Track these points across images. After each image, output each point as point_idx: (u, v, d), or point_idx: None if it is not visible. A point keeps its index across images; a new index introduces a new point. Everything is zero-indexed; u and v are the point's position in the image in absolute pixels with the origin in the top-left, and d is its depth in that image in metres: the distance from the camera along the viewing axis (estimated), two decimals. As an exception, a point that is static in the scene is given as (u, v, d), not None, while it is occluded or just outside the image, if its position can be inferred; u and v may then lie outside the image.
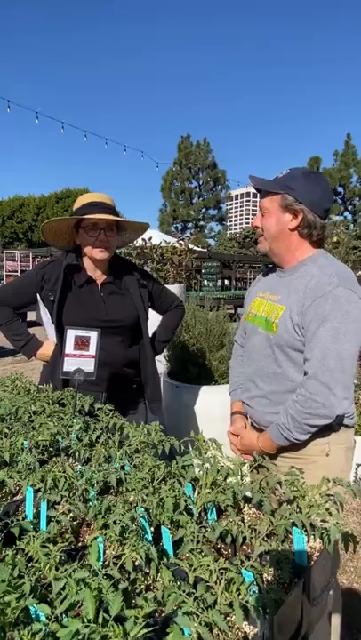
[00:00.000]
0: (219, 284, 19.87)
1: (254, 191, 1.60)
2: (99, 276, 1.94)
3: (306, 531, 0.88)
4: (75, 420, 1.40)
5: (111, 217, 1.82)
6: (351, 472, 1.54)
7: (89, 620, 0.60)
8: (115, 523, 0.85)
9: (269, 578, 0.80)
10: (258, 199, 1.56)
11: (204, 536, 0.88)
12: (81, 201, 1.90)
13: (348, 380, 1.34)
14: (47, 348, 1.95)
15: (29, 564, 0.77)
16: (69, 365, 1.60)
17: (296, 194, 1.40)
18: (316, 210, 1.42)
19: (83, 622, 0.59)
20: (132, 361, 1.98)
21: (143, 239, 5.06)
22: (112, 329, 1.83)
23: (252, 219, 1.64)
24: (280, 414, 1.42)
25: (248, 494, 1.03)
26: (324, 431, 1.40)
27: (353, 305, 1.32)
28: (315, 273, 1.39)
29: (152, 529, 0.91)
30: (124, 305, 1.94)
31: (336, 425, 1.42)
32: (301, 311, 1.37)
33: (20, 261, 19.45)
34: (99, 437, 1.31)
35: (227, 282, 24.29)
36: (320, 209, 1.43)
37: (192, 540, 0.85)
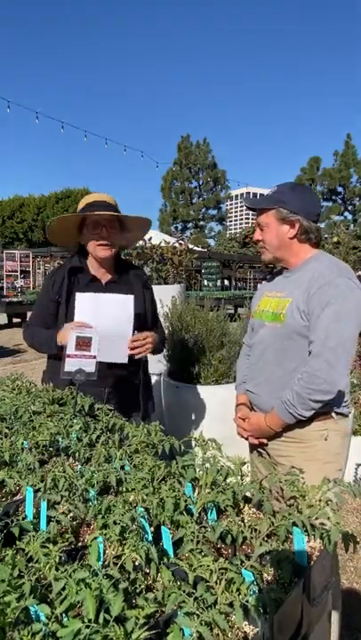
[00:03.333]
0: (219, 283, 19.87)
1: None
2: (103, 275, 2.00)
3: (306, 531, 0.88)
4: (75, 420, 1.40)
5: (111, 213, 1.88)
6: (346, 458, 1.65)
7: (89, 620, 0.60)
8: (115, 523, 0.84)
9: (269, 578, 0.80)
10: (255, 216, 1.70)
11: (204, 536, 0.88)
12: (84, 201, 1.98)
13: (348, 358, 1.47)
14: (61, 335, 1.91)
15: (29, 564, 0.77)
16: (70, 366, 1.61)
17: (290, 206, 1.56)
18: (310, 217, 1.59)
19: (83, 622, 0.59)
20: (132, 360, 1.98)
21: (143, 239, 5.06)
22: None
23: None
24: (285, 392, 1.51)
25: (248, 494, 1.03)
26: (323, 418, 1.53)
27: (352, 291, 1.47)
28: (317, 267, 1.54)
29: (152, 529, 0.91)
30: None
31: (333, 413, 1.55)
32: (306, 299, 1.50)
33: (20, 261, 19.41)
34: (99, 437, 1.31)
35: (227, 282, 24.27)
36: (313, 215, 1.60)
37: (192, 540, 0.85)
